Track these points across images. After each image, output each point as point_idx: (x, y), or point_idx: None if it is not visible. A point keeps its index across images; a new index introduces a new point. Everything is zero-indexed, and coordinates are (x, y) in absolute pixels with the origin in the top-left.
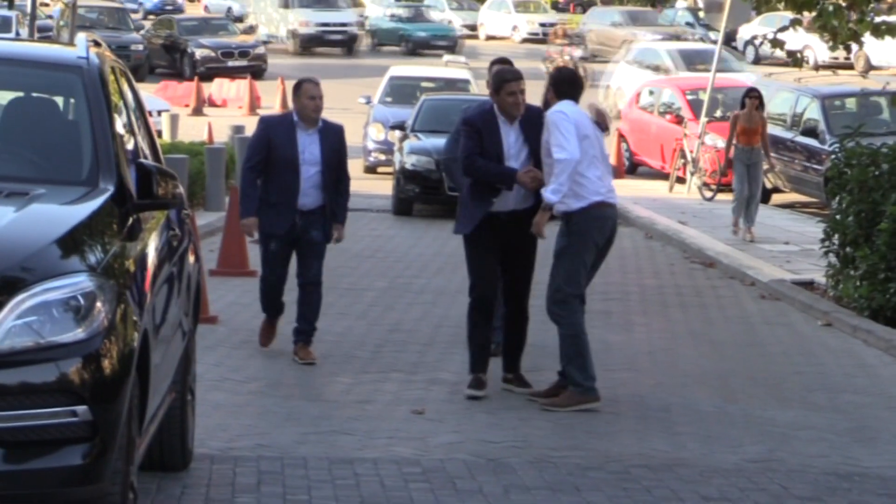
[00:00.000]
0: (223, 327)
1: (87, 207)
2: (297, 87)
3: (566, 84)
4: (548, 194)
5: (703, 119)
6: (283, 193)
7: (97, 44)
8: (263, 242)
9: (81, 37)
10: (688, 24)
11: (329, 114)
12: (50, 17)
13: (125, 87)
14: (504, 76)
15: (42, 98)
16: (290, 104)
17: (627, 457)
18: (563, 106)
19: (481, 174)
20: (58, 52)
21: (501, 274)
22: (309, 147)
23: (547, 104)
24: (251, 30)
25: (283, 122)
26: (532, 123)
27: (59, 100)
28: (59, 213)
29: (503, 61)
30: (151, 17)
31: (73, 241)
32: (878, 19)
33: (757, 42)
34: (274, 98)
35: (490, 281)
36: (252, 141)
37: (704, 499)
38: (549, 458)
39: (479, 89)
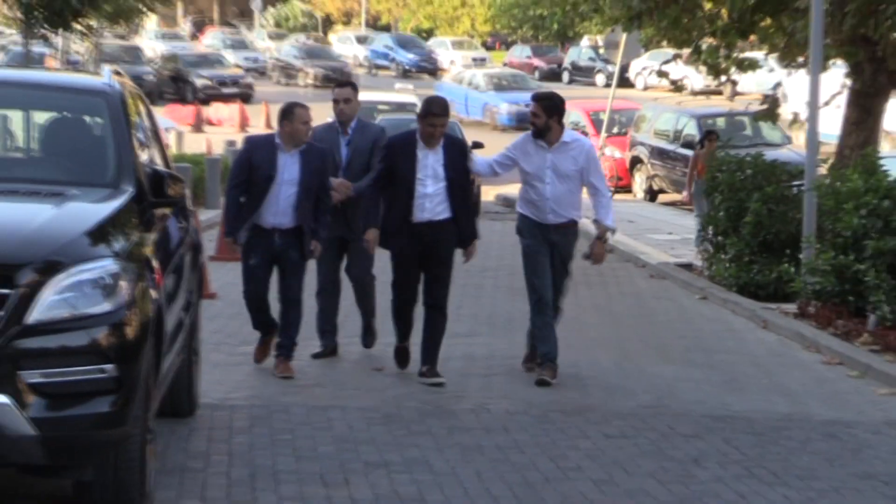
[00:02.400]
0: (221, 302)
1: (111, 205)
2: (289, 112)
3: (563, 110)
4: (610, 223)
5: (604, 134)
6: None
7: (118, 73)
8: (244, 258)
9: (106, 68)
10: (590, 58)
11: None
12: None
13: (141, 108)
14: (429, 107)
15: (74, 117)
16: (274, 125)
17: (546, 403)
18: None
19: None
20: (86, 80)
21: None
22: (289, 167)
23: (542, 129)
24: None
25: (266, 143)
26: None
27: (88, 118)
28: (89, 210)
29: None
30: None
31: (100, 232)
32: (741, 56)
33: (646, 73)
34: (260, 118)
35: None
36: (235, 161)
37: (606, 436)
38: (483, 405)
39: None
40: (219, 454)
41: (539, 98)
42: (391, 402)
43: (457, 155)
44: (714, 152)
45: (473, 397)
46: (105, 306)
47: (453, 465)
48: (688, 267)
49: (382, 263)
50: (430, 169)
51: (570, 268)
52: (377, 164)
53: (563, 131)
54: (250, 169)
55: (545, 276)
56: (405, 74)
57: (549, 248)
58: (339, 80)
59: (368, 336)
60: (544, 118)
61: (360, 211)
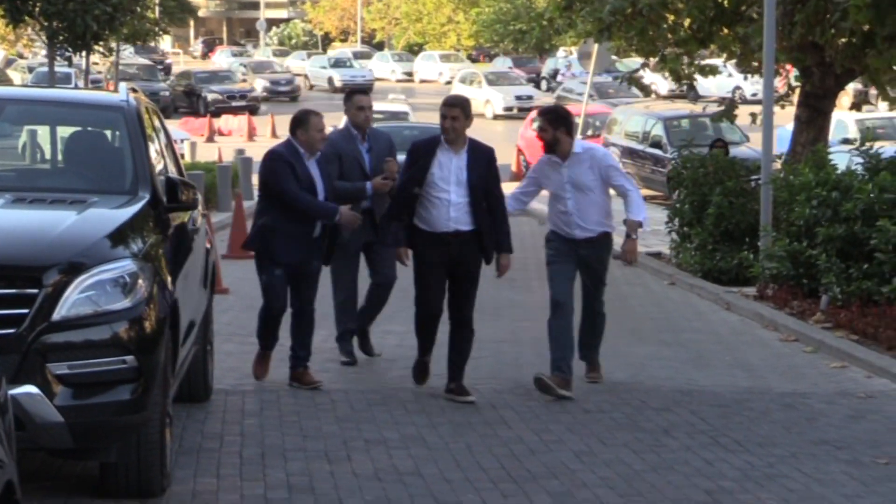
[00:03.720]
0: (233, 296)
1: (129, 210)
2: (304, 121)
3: (570, 122)
4: (640, 217)
5: (579, 137)
6: (302, 223)
7: (135, 90)
8: (269, 270)
9: (123, 85)
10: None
11: None
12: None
13: (156, 122)
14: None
15: (95, 131)
16: (280, 135)
17: (530, 383)
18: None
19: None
20: (105, 97)
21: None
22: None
23: (551, 143)
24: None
25: (293, 153)
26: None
27: (108, 131)
28: (108, 215)
29: (364, 91)
30: None
31: (119, 235)
32: (703, 63)
33: (618, 80)
34: (266, 129)
35: (435, 295)
36: (279, 173)
37: (585, 411)
38: (473, 385)
39: (416, 119)
40: (232, 435)
41: (544, 112)
42: (389, 385)
43: (483, 160)
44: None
45: (465, 379)
46: (125, 303)
47: (446, 440)
48: (657, 255)
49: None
50: (453, 175)
51: (605, 278)
52: (401, 174)
53: (573, 143)
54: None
55: (563, 282)
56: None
57: (577, 262)
58: (360, 88)
59: (367, 342)
60: (551, 131)
61: (384, 217)
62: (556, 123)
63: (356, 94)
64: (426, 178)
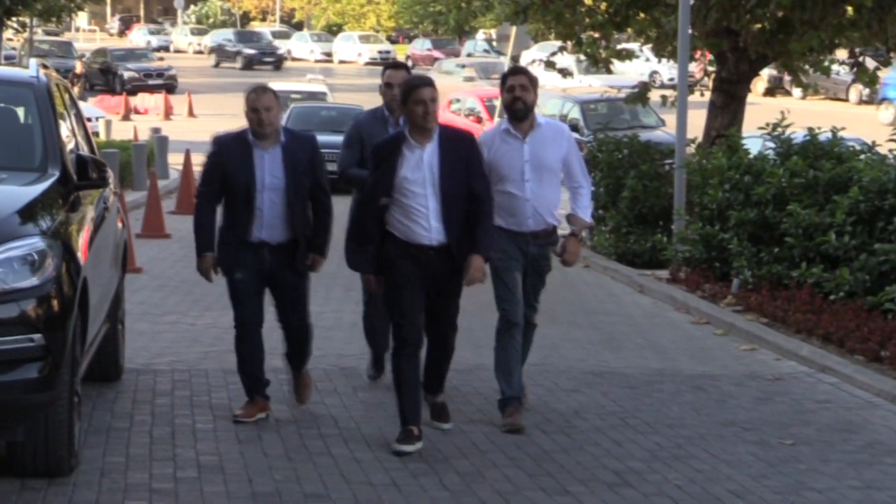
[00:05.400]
0: (146, 275)
1: (38, 187)
2: (246, 97)
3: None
4: (589, 219)
5: (497, 119)
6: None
7: (45, 67)
8: (228, 275)
9: (33, 61)
10: (485, 50)
11: (223, 121)
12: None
13: (67, 100)
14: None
15: (4, 107)
16: (197, 114)
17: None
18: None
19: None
20: (15, 73)
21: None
22: (269, 169)
23: (530, 107)
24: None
25: (237, 141)
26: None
27: (16, 108)
28: (17, 192)
29: (397, 66)
30: None
31: (28, 212)
32: (619, 47)
33: (535, 64)
34: (183, 107)
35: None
36: (204, 167)
37: (497, 391)
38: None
39: (334, 99)
40: (142, 414)
41: (523, 70)
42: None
43: (460, 152)
44: None
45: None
46: (33, 280)
47: (357, 421)
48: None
49: None
50: (427, 175)
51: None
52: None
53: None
54: (223, 176)
55: (517, 295)
56: (249, 66)
57: (524, 262)
58: (393, 62)
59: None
60: (533, 94)
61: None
62: (536, 87)
63: (388, 69)
64: (394, 183)
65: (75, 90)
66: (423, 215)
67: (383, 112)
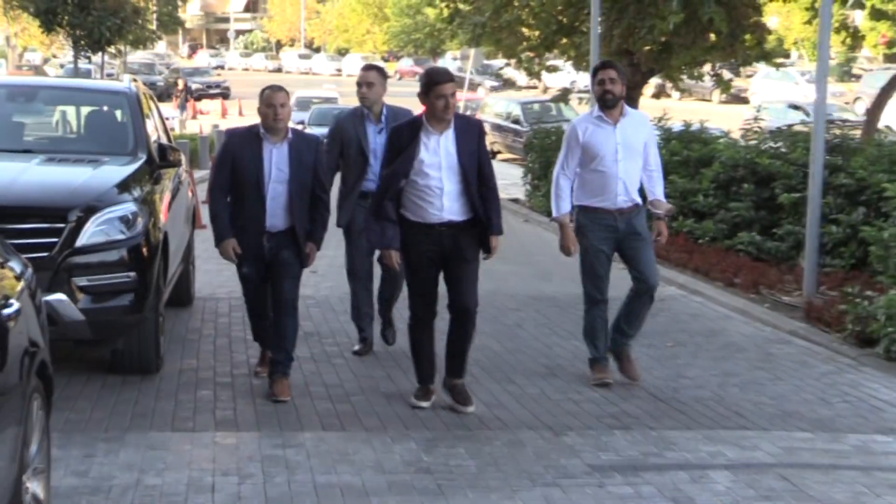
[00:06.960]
0: (209, 231)
1: (131, 167)
2: (260, 95)
3: None
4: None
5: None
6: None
7: (135, 80)
8: (238, 266)
9: (126, 76)
10: (459, 68)
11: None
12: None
13: (151, 104)
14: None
15: (106, 110)
16: (246, 114)
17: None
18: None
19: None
20: (114, 85)
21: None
22: (276, 162)
23: (619, 98)
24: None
25: (248, 134)
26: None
27: (116, 110)
28: (116, 171)
29: (369, 67)
30: None
31: (124, 185)
32: (549, 63)
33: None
34: (235, 109)
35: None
36: (216, 158)
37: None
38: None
39: (343, 102)
40: (208, 330)
41: (611, 64)
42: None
43: (472, 137)
44: None
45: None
46: (128, 234)
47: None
48: (516, 201)
49: None
50: (442, 159)
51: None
52: (383, 163)
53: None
54: (233, 167)
55: (605, 280)
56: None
57: (615, 240)
58: (367, 64)
59: (390, 329)
60: (621, 85)
61: (367, 215)
62: (624, 79)
63: (361, 70)
64: (412, 166)
65: (176, 101)
66: (436, 195)
67: (362, 111)
